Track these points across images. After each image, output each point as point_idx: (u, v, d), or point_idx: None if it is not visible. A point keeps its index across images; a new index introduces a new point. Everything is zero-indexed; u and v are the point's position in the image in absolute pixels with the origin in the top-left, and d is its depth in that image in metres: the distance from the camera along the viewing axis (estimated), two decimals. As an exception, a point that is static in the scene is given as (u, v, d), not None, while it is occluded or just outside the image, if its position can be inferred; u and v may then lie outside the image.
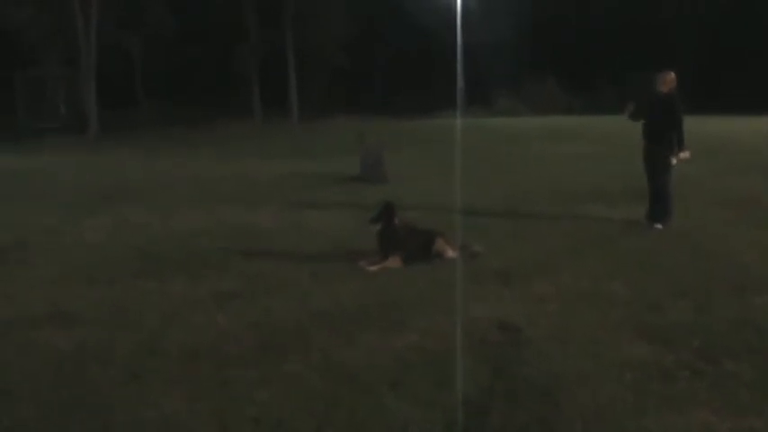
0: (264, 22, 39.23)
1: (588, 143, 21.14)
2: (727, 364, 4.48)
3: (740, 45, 38.60)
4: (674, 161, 8.67)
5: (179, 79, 41.71)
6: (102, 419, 3.93)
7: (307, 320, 5.51)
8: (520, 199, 11.38)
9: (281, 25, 39.21)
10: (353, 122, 31.00)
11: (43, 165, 18.98)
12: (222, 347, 4.97)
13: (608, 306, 5.73)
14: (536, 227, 9.10)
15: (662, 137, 8.73)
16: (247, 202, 11.64)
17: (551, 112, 36.92)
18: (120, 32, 35.02)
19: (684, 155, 8.71)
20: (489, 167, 15.61)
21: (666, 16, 41.48)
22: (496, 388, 4.21)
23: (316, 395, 4.17)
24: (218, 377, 4.46)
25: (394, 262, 7.13)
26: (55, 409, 4.06)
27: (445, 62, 38.26)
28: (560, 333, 5.11)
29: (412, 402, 4.04)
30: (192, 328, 5.42)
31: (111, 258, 7.85)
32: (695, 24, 40.71)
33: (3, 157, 21.31)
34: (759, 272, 6.67)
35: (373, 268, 7.03)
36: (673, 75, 8.83)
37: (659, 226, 8.71)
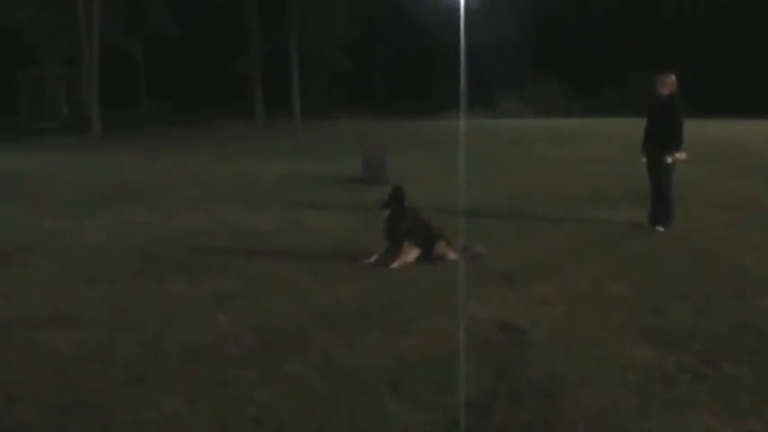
0: (265, 23, 39.27)
1: (590, 146, 21.14)
2: (727, 367, 4.47)
3: (740, 45, 38.62)
4: (668, 160, 8.65)
5: (180, 80, 41.75)
6: (103, 420, 3.92)
7: (307, 321, 5.50)
8: (522, 201, 11.38)
9: (282, 26, 39.26)
10: (355, 123, 31.02)
11: (44, 165, 18.97)
12: (222, 348, 4.96)
13: (610, 308, 5.72)
14: (539, 229, 9.10)
15: (663, 139, 8.72)
16: (248, 203, 11.64)
17: (553, 115, 36.96)
18: (122, 33, 35.04)
19: (681, 155, 8.69)
20: (492, 169, 15.60)
21: (666, 16, 41.51)
22: (498, 389, 4.20)
23: (316, 396, 4.16)
24: (219, 377, 4.45)
25: (409, 252, 7.15)
26: (55, 410, 4.05)
27: (447, 63, 38.35)
28: (563, 335, 5.11)
29: (413, 404, 4.03)
30: (192, 328, 5.41)
31: (112, 259, 7.84)
32: (695, 24, 40.74)
33: (3, 156, 21.32)
34: (759, 275, 6.67)
35: (394, 265, 7.04)
36: (673, 77, 8.83)
37: (661, 229, 8.71)
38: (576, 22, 44.19)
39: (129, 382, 4.42)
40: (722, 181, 13.06)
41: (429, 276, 6.74)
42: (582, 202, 10.97)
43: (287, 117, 39.34)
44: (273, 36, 39.25)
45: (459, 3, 31.44)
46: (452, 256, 7.25)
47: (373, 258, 7.22)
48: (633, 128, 9.39)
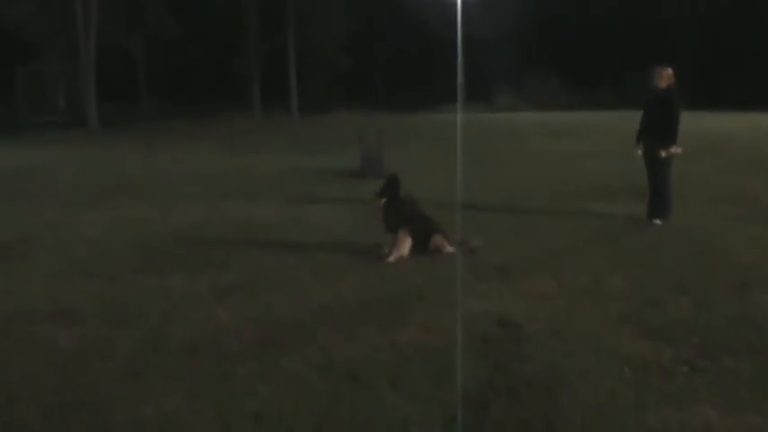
0: (265, 22, 39.24)
1: (588, 139, 21.14)
2: (726, 360, 4.48)
3: (740, 45, 38.58)
4: (663, 153, 8.64)
5: (179, 77, 41.72)
6: (103, 416, 3.93)
7: (307, 315, 5.51)
8: (520, 195, 11.39)
9: (281, 25, 39.23)
10: (354, 118, 30.99)
11: (43, 160, 18.94)
12: (222, 342, 4.97)
13: (608, 302, 5.74)
14: (536, 222, 9.10)
15: (659, 132, 8.71)
16: (247, 197, 11.64)
17: (551, 109, 36.95)
18: (121, 32, 35.00)
19: (676, 149, 8.68)
20: (489, 163, 15.60)
21: (666, 16, 41.46)
22: (496, 384, 4.22)
23: (316, 391, 4.17)
24: (219, 372, 4.46)
25: (404, 241, 7.16)
26: (55, 407, 4.06)
27: (445, 59, 38.29)
28: (560, 329, 5.12)
29: (412, 398, 4.04)
30: (191, 322, 5.43)
31: (111, 253, 7.85)
32: (695, 24, 40.69)
33: (2, 151, 21.30)
34: (758, 269, 6.68)
35: (390, 259, 7.06)
36: (670, 70, 8.79)
37: (658, 222, 8.72)
38: (576, 21, 44.11)
39: (128, 376, 4.43)
40: (722, 175, 13.06)
41: (427, 270, 6.75)
42: (580, 196, 10.97)
43: (285, 112, 39.35)
44: (272, 35, 39.22)
45: (456, -2, 31.39)
46: (449, 249, 7.27)
47: (386, 251, 7.24)
48: (631, 121, 9.37)
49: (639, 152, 9.07)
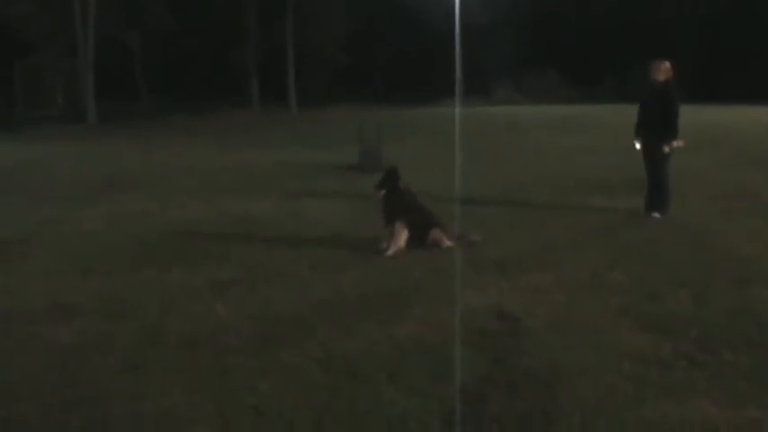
0: (264, 18, 39.18)
1: (587, 134, 21.12)
2: (725, 354, 4.48)
3: (740, 45, 38.52)
4: (666, 149, 8.64)
5: (178, 73, 41.67)
6: (102, 411, 3.92)
7: (306, 310, 5.51)
8: (518, 189, 11.38)
9: (280, 21, 39.19)
10: (353, 112, 30.96)
11: (41, 155, 18.93)
12: (221, 337, 4.97)
13: (607, 296, 5.73)
14: (535, 217, 9.10)
15: (658, 127, 8.70)
16: (246, 192, 11.63)
17: (550, 103, 36.93)
18: (119, 27, 34.93)
19: (678, 143, 8.68)
20: (488, 157, 15.60)
21: (666, 16, 41.38)
22: (495, 378, 4.21)
23: (315, 385, 4.17)
24: (218, 367, 4.46)
25: (401, 233, 7.16)
26: (54, 402, 4.06)
27: (444, 53, 38.23)
28: (559, 323, 5.12)
29: (410, 392, 4.04)
30: (190, 317, 5.42)
31: (110, 248, 7.84)
32: (695, 24, 40.60)
33: (0, 147, 21.26)
34: (758, 263, 6.67)
35: (389, 253, 7.06)
36: (668, 64, 8.77)
37: (657, 215, 8.71)
38: (576, 16, 44.01)
39: (127, 371, 4.43)
40: (721, 169, 13.04)
41: (425, 264, 6.75)
42: (578, 190, 10.97)
43: (284, 107, 39.34)
44: (272, 31, 39.20)
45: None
46: (447, 243, 7.27)
47: (384, 245, 7.23)
48: (630, 116, 9.36)
49: (638, 145, 9.07)
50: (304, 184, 12.42)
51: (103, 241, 8.24)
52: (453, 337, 4.76)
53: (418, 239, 7.27)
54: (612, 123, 22.50)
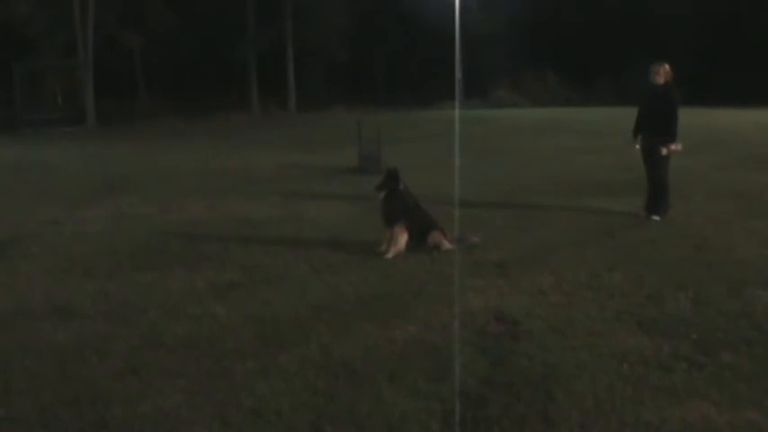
0: (263, 18, 39.20)
1: (586, 135, 21.12)
2: (725, 356, 4.48)
3: (740, 45, 38.50)
4: (664, 152, 8.64)
5: (177, 74, 41.65)
6: (100, 412, 3.92)
7: (305, 312, 5.51)
8: (518, 190, 11.38)
9: (279, 20, 39.20)
10: (353, 114, 30.97)
11: (42, 156, 18.95)
12: (221, 340, 4.96)
13: (606, 298, 5.73)
14: (534, 218, 9.10)
15: (658, 129, 8.70)
16: (246, 194, 11.63)
17: (549, 105, 36.95)
18: (120, 28, 34.92)
19: (677, 147, 8.68)
20: (487, 159, 15.60)
21: (666, 15, 41.35)
22: (494, 380, 4.22)
23: (314, 387, 4.17)
24: (217, 369, 4.46)
25: (401, 236, 7.16)
26: (52, 402, 4.06)
27: (444, 55, 38.24)
28: (559, 324, 5.12)
29: (410, 394, 4.04)
30: (190, 319, 5.42)
31: (110, 250, 7.84)
32: (695, 24, 40.58)
33: (1, 149, 21.27)
34: (758, 265, 6.66)
35: (389, 255, 7.06)
36: (668, 66, 8.77)
37: (657, 218, 8.72)
38: (575, 19, 43.99)
39: (126, 373, 4.43)
40: (722, 171, 13.05)
41: (425, 266, 6.75)
42: (578, 192, 10.97)
43: (283, 109, 39.38)
44: (271, 31, 39.19)
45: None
46: (447, 245, 7.27)
47: (384, 247, 7.23)
48: (630, 117, 9.37)
49: (637, 146, 9.07)
50: (304, 187, 12.43)
51: (103, 243, 8.24)
52: (453, 339, 4.76)
53: (418, 241, 7.27)
54: (611, 125, 22.51)
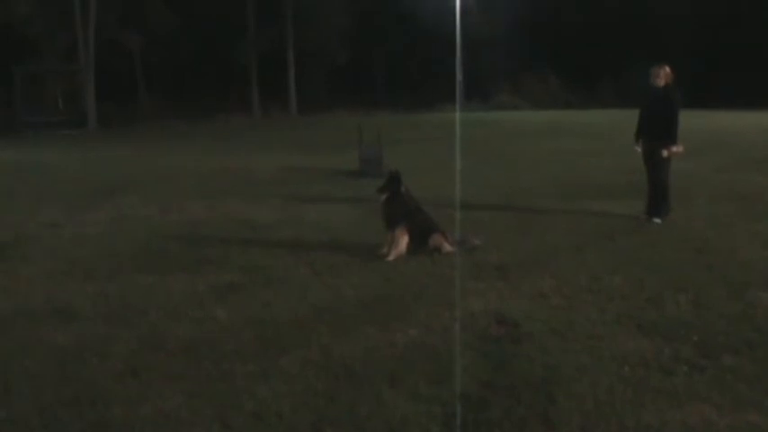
0: (263, 17, 39.24)
1: (587, 138, 21.12)
2: (726, 358, 4.48)
3: (740, 45, 38.49)
4: (664, 154, 8.63)
5: (178, 76, 41.68)
6: (101, 415, 3.92)
7: (306, 315, 5.51)
8: (519, 193, 11.37)
9: (280, 21, 39.25)
10: (354, 117, 31.00)
11: (42, 159, 18.96)
12: (222, 342, 4.96)
13: (607, 301, 5.73)
14: (535, 221, 9.09)
15: (659, 131, 8.69)
16: (246, 196, 11.63)
17: (550, 108, 36.96)
18: (120, 29, 34.97)
19: (678, 149, 8.66)
20: (489, 162, 15.60)
21: (666, 15, 41.36)
22: (495, 382, 4.21)
23: (315, 390, 4.16)
24: (218, 371, 4.45)
25: (402, 238, 7.15)
26: (53, 404, 4.06)
27: (445, 58, 38.28)
28: (559, 327, 5.11)
29: (410, 397, 4.04)
30: (191, 321, 5.42)
31: (111, 252, 7.84)
32: (695, 24, 40.59)
33: (2, 150, 21.29)
34: (760, 267, 6.65)
35: (390, 258, 7.06)
36: (668, 68, 8.75)
37: (658, 220, 8.71)
38: (576, 22, 44.01)
39: (127, 375, 4.43)
40: (724, 173, 13.03)
41: (426, 269, 6.75)
42: (579, 195, 10.96)
43: (284, 111, 39.41)
44: (271, 33, 39.23)
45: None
46: (448, 248, 7.26)
47: (385, 250, 7.23)
48: (631, 120, 9.37)
49: (638, 149, 9.06)
50: (305, 189, 12.43)
51: (104, 245, 8.24)
52: (454, 342, 4.76)
53: (419, 244, 7.26)
54: (612, 128, 22.53)
